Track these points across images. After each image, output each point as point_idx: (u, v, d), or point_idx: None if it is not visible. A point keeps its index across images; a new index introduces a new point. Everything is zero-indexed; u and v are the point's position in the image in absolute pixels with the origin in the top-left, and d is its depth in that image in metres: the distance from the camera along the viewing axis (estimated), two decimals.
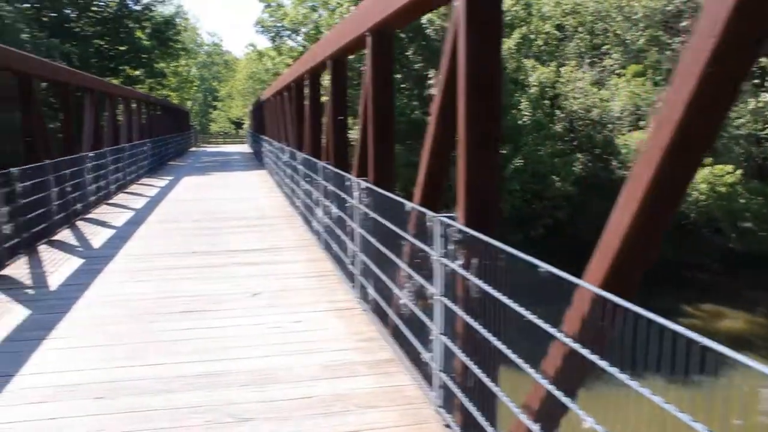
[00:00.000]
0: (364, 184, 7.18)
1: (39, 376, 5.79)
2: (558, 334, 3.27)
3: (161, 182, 23.47)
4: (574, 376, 3.51)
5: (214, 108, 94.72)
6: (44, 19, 38.13)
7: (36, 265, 10.18)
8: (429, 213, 4.89)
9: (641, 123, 31.10)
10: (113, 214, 15.48)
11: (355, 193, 7.38)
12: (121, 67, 42.66)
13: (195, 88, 77.61)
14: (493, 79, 4.71)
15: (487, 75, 4.65)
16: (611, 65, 36.22)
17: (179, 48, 49.90)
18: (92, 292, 8.50)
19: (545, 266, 3.19)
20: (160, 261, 10.26)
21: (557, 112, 33.16)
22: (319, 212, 10.56)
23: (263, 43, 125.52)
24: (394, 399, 5.24)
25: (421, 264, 5.30)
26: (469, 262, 4.30)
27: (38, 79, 13.52)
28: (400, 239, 6.12)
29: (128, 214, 15.45)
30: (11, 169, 10.23)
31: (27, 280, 9.37)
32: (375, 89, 7.44)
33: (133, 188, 21.31)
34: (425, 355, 5.18)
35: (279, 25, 41.51)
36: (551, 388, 3.30)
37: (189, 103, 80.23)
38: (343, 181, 8.60)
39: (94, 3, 42.16)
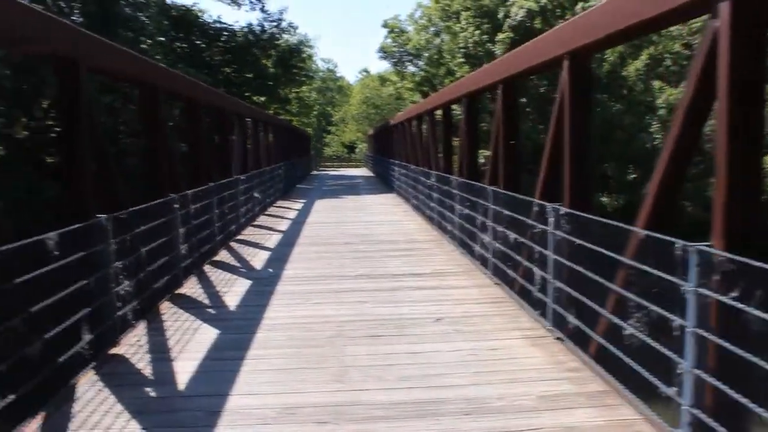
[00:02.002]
0: (563, 210, 6.94)
1: (254, 397, 5.81)
2: None
3: (296, 204, 23.87)
4: None
5: (328, 132, 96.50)
6: (177, 50, 39.76)
7: (207, 285, 10.40)
8: (678, 242, 4.61)
9: None
10: (262, 236, 15.77)
11: (551, 219, 7.15)
12: (247, 94, 43.98)
13: (315, 112, 79.19)
14: (758, 85, 4.42)
15: (753, 81, 4.36)
16: None
17: (303, 74, 50.98)
18: (272, 314, 8.57)
19: None
20: (326, 284, 10.30)
21: None
22: (485, 237, 10.37)
23: (376, 68, 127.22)
24: None
25: (656, 292, 5.03)
26: (740, 293, 4.01)
27: (202, 104, 13.92)
28: (615, 266, 5.87)
29: (277, 236, 15.72)
30: (187, 191, 10.52)
31: (204, 299, 9.56)
32: (571, 111, 7.24)
33: (273, 210, 21.74)
34: (666, 390, 4.88)
35: (402, 50, 41.99)
36: None
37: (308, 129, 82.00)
38: (523, 206, 8.41)
39: (223, 33, 43.66)
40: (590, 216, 6.30)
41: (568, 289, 6.82)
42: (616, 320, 5.74)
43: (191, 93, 12.94)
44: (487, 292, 9.58)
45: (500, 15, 34.65)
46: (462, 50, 35.89)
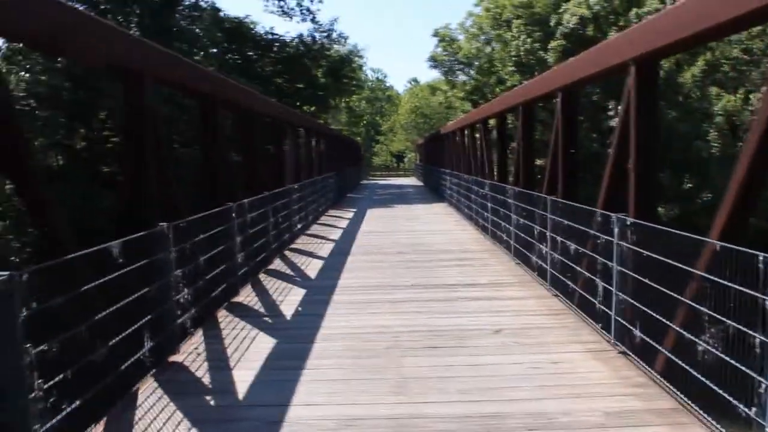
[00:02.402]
0: (629, 220, 6.76)
1: (314, 408, 5.75)
2: None
3: (347, 214, 23.90)
4: None
5: (377, 142, 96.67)
6: (230, 61, 40.21)
7: (263, 294, 10.41)
8: (759, 254, 4.43)
9: None
10: (315, 245, 15.78)
11: (616, 230, 6.96)
12: (297, 103, 44.30)
13: (364, 122, 79.51)
14: None
15: None
16: None
17: (353, 84, 51.16)
18: (328, 324, 8.52)
19: None
20: (381, 294, 10.22)
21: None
22: (544, 248, 10.19)
23: (425, 78, 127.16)
24: None
25: (732, 306, 4.84)
26: None
27: (258, 114, 14.01)
28: (685, 279, 5.68)
29: (329, 245, 15.71)
30: (244, 200, 10.56)
31: (260, 308, 9.57)
32: (637, 119, 7.05)
33: (324, 219, 21.78)
34: (745, 410, 4.68)
35: (452, 59, 41.86)
36: None
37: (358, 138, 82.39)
38: (584, 216, 8.24)
39: (275, 44, 44.03)
40: (659, 227, 6.11)
41: (634, 302, 6.62)
42: (688, 335, 5.54)
43: (248, 103, 13.01)
44: (545, 303, 9.40)
45: (552, 23, 34.33)
46: (513, 58, 35.63)
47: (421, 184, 47.75)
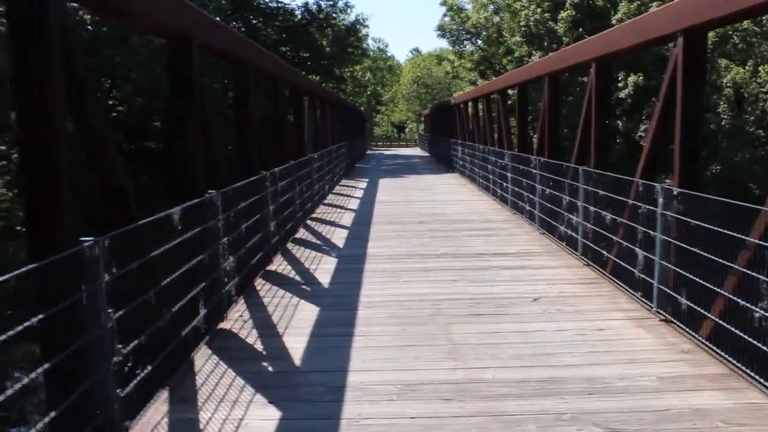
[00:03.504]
0: (676, 191, 6.82)
1: (372, 373, 5.84)
2: None
3: (361, 183, 23.96)
4: None
5: (378, 112, 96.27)
6: (235, 29, 39.94)
7: (295, 262, 10.50)
8: None
9: None
10: (335, 214, 15.86)
11: (660, 200, 7.03)
12: (303, 73, 44.06)
13: (368, 92, 79.13)
14: None
15: None
16: None
17: (359, 53, 50.85)
18: (366, 291, 8.61)
19: None
20: (411, 262, 10.31)
21: (755, 115, 31.05)
22: (574, 218, 10.26)
23: (427, 48, 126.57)
24: (761, 418, 4.89)
25: None
26: None
27: (284, 83, 14.01)
28: (735, 247, 5.76)
29: (349, 215, 15.79)
30: (275, 169, 10.60)
31: (295, 276, 9.66)
32: (684, 90, 7.09)
33: (339, 189, 21.85)
34: None
35: (460, 29, 41.61)
36: None
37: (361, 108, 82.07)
38: (618, 185, 8.32)
39: (279, 13, 43.72)
40: (709, 196, 6.18)
41: (680, 271, 6.69)
42: (743, 302, 5.63)
43: (277, 71, 13.00)
44: (578, 272, 9.49)
45: None
46: (522, 29, 35.40)
47: (426, 154, 47.71)
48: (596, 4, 32.73)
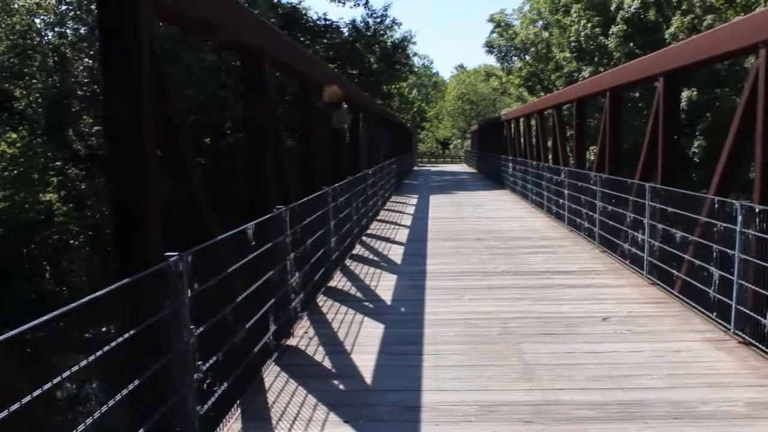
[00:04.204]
0: (758, 208, 6.60)
1: (447, 393, 5.73)
2: None
3: (411, 200, 23.87)
4: None
5: (422, 128, 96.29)
6: None
7: (354, 279, 10.43)
8: None
9: None
10: (389, 230, 15.80)
11: (740, 218, 6.81)
12: None
13: (415, 108, 79.21)
14: None
15: None
16: None
17: (406, 70, 50.97)
18: (431, 309, 8.50)
19: None
20: (473, 280, 10.17)
21: None
22: (639, 236, 10.03)
23: (472, 64, 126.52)
24: None
25: None
26: None
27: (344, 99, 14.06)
28: None
29: (404, 231, 15.71)
30: (336, 185, 10.58)
31: (356, 293, 9.58)
32: (767, 103, 6.87)
33: (390, 206, 21.80)
34: None
35: (509, 45, 41.47)
36: None
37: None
38: (688, 202, 8.11)
39: (328, 30, 44.08)
40: None
41: (762, 291, 6.46)
42: None
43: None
44: (644, 291, 9.27)
45: (612, 7, 33.72)
46: (572, 44, 35.15)
47: (474, 170, 47.48)
48: (648, 19, 32.34)
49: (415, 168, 55.61)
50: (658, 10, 32.51)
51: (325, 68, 12.41)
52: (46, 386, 2.81)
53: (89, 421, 3.13)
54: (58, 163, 27.44)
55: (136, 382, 3.64)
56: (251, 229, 5.75)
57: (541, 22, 40.76)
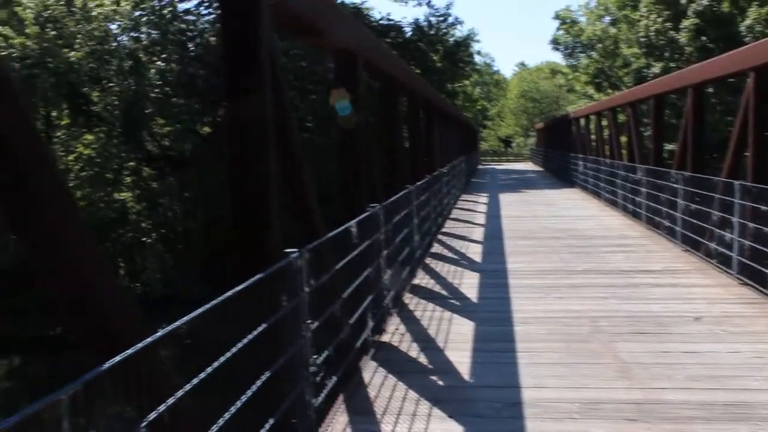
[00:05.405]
0: None
1: (546, 390, 5.76)
2: None
3: (481, 198, 23.87)
4: None
5: (484, 127, 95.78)
6: None
7: (437, 277, 10.52)
8: None
9: None
10: (464, 229, 15.84)
11: None
12: None
13: (479, 107, 78.89)
14: None
15: None
16: None
17: (469, 68, 50.83)
18: (518, 307, 8.51)
19: None
20: (556, 278, 10.15)
21: None
22: (728, 234, 9.88)
23: (533, 61, 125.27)
24: None
25: None
26: None
27: (422, 99, 14.18)
28: None
29: (479, 229, 15.75)
30: (418, 183, 10.69)
31: (441, 290, 9.66)
32: None
33: (461, 204, 21.83)
34: None
35: (575, 41, 41.02)
36: None
37: None
38: None
39: (391, 29, 44.22)
40: None
41: None
42: None
43: (418, 87, 13.16)
44: (734, 291, 9.12)
45: (684, 0, 33.02)
46: (642, 39, 34.54)
47: (540, 168, 47.12)
48: (722, 11, 31.57)
49: (480, 167, 55.44)
50: (732, 2, 31.70)
51: (407, 69, 12.51)
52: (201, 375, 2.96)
53: (233, 409, 3.28)
54: (131, 163, 28.20)
55: (268, 374, 3.79)
56: (354, 228, 5.89)
57: (608, 18, 40.19)
